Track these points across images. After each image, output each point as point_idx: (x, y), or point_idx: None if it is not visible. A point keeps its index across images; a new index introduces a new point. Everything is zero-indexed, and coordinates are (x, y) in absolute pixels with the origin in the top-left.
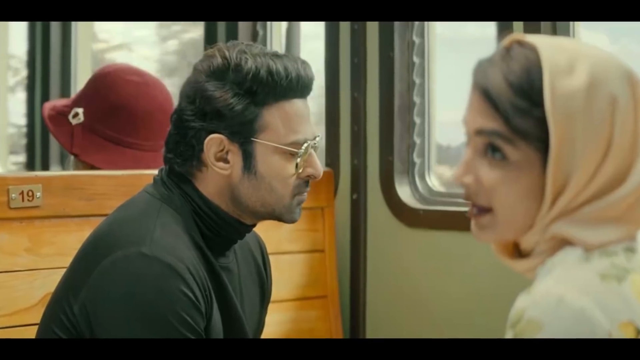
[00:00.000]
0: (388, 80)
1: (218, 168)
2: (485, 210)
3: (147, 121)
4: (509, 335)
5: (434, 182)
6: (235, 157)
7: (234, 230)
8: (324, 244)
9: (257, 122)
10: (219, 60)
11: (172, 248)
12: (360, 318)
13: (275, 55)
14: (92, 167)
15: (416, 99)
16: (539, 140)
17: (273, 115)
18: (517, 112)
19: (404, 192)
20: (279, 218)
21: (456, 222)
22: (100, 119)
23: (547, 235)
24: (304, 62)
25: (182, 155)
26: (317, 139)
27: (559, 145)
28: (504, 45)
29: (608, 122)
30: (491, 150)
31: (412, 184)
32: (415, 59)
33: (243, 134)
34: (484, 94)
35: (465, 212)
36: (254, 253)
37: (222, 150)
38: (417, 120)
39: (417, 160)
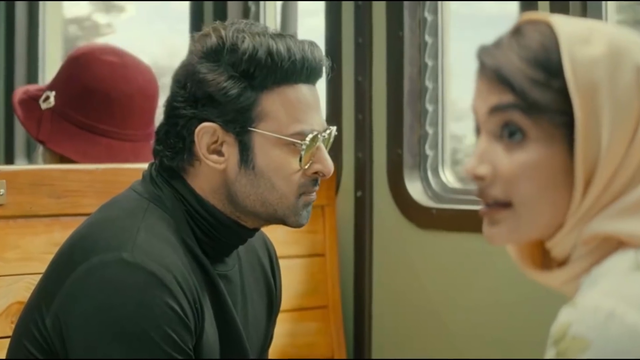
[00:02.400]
0: (397, 62)
1: (211, 161)
2: (501, 204)
3: (124, 107)
4: (550, 354)
5: (448, 178)
6: (231, 150)
7: (232, 235)
8: (325, 247)
9: (254, 109)
10: (213, 39)
11: (158, 254)
12: (366, 331)
13: (279, 35)
14: (62, 159)
15: (428, 83)
16: (561, 113)
17: (273, 102)
18: (534, 85)
19: (414, 189)
20: (283, 221)
21: (474, 223)
22: (71, 104)
23: (585, 235)
24: (311, 44)
25: (172, 148)
26: (329, 131)
27: (585, 117)
28: (513, 27)
29: (635, 93)
30: (508, 132)
31: (424, 179)
32: (428, 39)
33: (239, 122)
34: (494, 74)
35: None
36: (261, 258)
37: (215, 141)
38: (429, 107)
39: (429, 152)
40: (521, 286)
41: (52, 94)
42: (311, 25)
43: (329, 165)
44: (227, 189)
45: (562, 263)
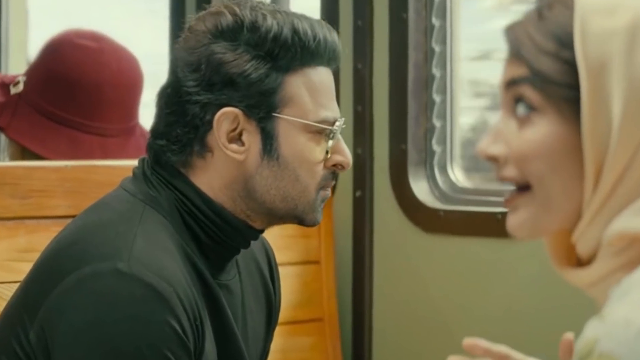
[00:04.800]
0: (400, 48)
1: (231, 151)
2: (522, 188)
3: (93, 96)
4: None
5: (457, 176)
6: (252, 138)
7: (239, 237)
8: (320, 253)
9: (279, 92)
10: (228, 17)
11: (157, 265)
12: (365, 347)
13: (297, 13)
14: (24, 152)
15: (435, 71)
16: (569, 87)
17: (297, 85)
18: (542, 54)
19: (420, 189)
20: (301, 218)
21: (486, 226)
22: (37, 89)
23: (610, 234)
24: (327, 25)
25: (180, 140)
26: (342, 121)
27: (591, 92)
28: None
29: None
30: (520, 106)
31: (431, 178)
32: (435, 21)
33: (262, 107)
34: (511, 47)
35: (498, 213)
36: (260, 264)
37: (234, 129)
38: (436, 98)
39: (436, 148)
40: (539, 296)
41: (23, 79)
42: (305, 6)
43: (349, 156)
44: (244, 183)
45: (588, 261)
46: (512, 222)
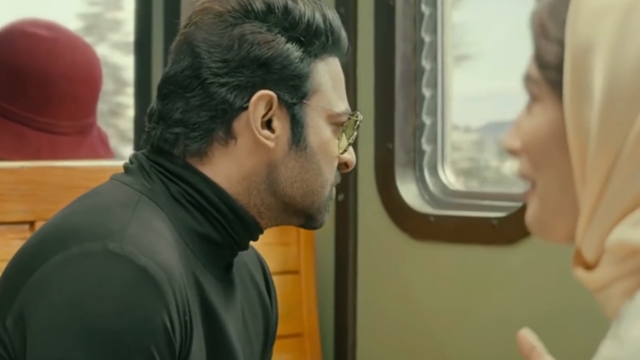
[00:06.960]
0: (387, 38)
1: (263, 137)
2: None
3: (44, 88)
4: None
5: (449, 178)
6: (282, 125)
7: (245, 234)
8: (299, 262)
9: (310, 79)
10: None
11: (151, 249)
12: None
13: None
14: None
15: (425, 63)
16: (562, 70)
17: (323, 74)
18: (543, 36)
19: (408, 192)
20: (312, 217)
21: (480, 233)
22: None
23: (610, 242)
24: None
25: (201, 127)
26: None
27: (574, 76)
28: None
29: None
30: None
31: (420, 180)
32: (424, 9)
33: (295, 93)
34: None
35: (493, 218)
36: (254, 276)
37: (265, 114)
38: (426, 93)
39: (426, 147)
40: (537, 307)
41: None
42: None
43: (354, 155)
44: (267, 174)
45: (594, 265)
46: (526, 219)
